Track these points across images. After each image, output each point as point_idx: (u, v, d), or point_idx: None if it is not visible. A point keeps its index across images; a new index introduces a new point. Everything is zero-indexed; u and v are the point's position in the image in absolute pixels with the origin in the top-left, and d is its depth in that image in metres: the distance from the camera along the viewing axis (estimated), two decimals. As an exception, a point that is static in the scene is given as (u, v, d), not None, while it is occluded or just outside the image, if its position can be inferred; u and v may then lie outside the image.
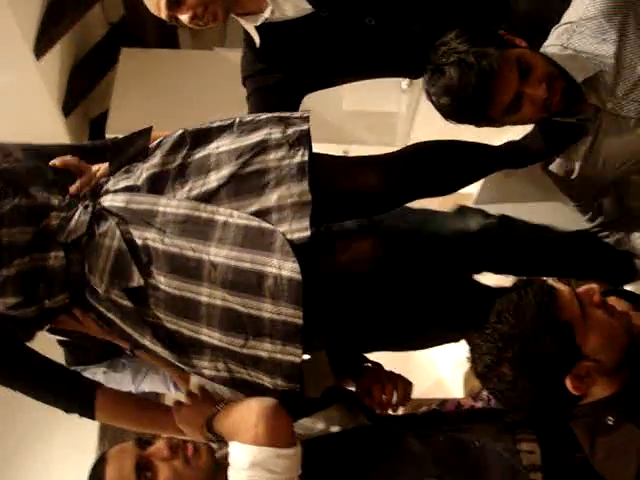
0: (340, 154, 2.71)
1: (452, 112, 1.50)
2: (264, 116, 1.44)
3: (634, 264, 1.93)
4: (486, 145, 1.68)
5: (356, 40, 1.72)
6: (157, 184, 1.38)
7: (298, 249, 1.29)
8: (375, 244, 1.46)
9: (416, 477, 1.31)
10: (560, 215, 1.82)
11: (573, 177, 1.62)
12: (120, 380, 1.73)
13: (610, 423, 1.17)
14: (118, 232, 1.33)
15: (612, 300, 1.28)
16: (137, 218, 1.34)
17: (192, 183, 1.38)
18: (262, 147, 1.39)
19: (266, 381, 1.31)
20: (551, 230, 1.92)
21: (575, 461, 1.27)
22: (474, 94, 1.43)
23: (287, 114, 1.44)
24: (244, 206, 1.34)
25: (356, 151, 2.90)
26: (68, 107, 3.44)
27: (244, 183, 1.36)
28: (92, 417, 1.46)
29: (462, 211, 1.91)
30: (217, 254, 1.30)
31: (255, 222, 1.31)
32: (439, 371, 2.52)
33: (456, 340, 1.81)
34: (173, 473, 1.32)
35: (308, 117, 1.42)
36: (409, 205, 1.75)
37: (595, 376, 1.18)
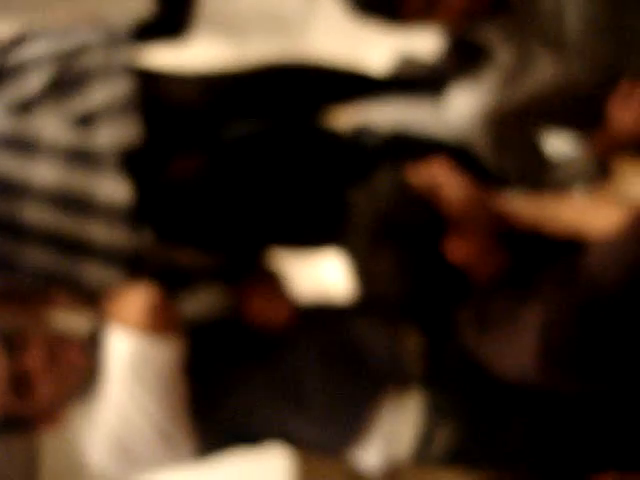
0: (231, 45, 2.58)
1: (361, 4, 1.39)
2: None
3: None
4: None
5: None
6: None
7: (131, 153, 1.27)
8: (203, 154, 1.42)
9: (293, 356, 1.32)
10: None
11: None
12: None
13: (499, 305, 1.17)
14: None
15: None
16: None
17: (10, 88, 1.29)
18: (84, 47, 1.33)
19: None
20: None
21: (457, 349, 1.28)
22: None
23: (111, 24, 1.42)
24: (69, 108, 1.28)
25: (248, 42, 2.80)
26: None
27: (66, 85, 1.30)
28: None
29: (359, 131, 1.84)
30: (44, 173, 1.24)
31: (83, 141, 1.26)
32: (322, 277, 2.55)
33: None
34: (53, 383, 1.22)
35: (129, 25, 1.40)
36: None
37: (474, 243, 1.17)
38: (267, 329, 1.38)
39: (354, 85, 1.60)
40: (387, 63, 1.92)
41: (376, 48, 2.23)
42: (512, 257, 1.24)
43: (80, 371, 1.25)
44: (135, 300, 1.23)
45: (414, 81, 1.68)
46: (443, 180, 1.21)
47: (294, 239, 1.65)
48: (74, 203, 1.24)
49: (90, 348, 1.27)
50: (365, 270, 1.22)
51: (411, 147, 1.77)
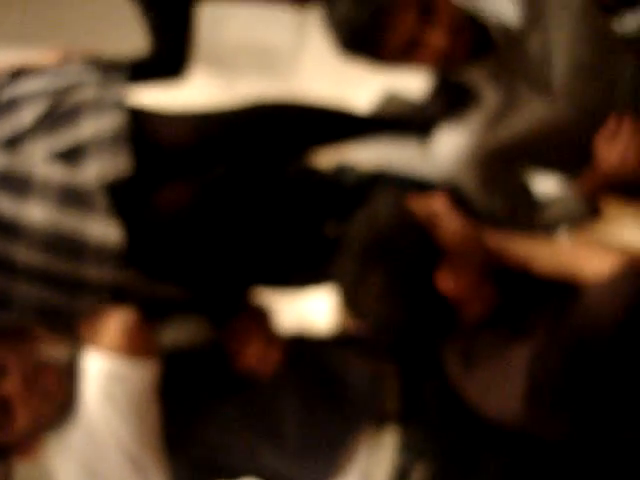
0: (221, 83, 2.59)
1: (344, 44, 1.39)
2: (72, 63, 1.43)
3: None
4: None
5: None
6: None
7: (119, 189, 1.27)
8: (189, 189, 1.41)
9: (271, 390, 1.31)
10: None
11: None
12: None
13: (486, 342, 1.16)
14: None
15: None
16: None
17: (2, 123, 1.30)
18: (78, 84, 1.35)
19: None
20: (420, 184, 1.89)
21: (436, 387, 1.28)
22: (363, 27, 1.31)
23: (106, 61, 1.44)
24: (59, 140, 1.28)
25: (236, 80, 2.82)
26: None
27: (57, 118, 1.30)
28: None
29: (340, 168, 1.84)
30: (35, 213, 1.24)
31: (74, 179, 1.26)
32: (304, 314, 2.53)
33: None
34: (31, 412, 1.20)
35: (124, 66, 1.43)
36: None
37: (466, 278, 1.16)
38: (254, 373, 1.36)
39: (340, 125, 1.60)
40: (374, 101, 1.93)
41: (364, 85, 2.24)
42: (502, 295, 1.22)
43: (57, 398, 1.23)
44: (112, 322, 1.23)
45: (400, 121, 1.68)
46: (442, 212, 1.20)
47: (276, 277, 1.63)
48: (65, 243, 1.25)
49: (67, 376, 1.26)
50: (354, 291, 1.19)
51: (394, 185, 1.78)
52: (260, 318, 1.51)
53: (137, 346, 1.23)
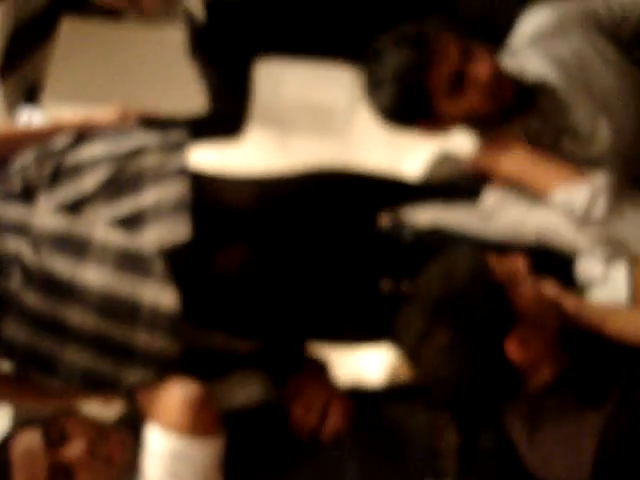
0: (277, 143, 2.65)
1: (391, 101, 1.42)
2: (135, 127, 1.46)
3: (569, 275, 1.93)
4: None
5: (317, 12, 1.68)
6: (29, 190, 1.33)
7: (179, 251, 1.27)
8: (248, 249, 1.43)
9: (333, 455, 1.31)
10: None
11: None
12: None
13: (553, 408, 1.13)
14: None
15: (541, 279, 1.25)
16: (11, 228, 1.29)
17: (66, 188, 1.33)
18: (140, 150, 1.37)
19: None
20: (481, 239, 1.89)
21: (493, 448, 1.26)
22: (410, 69, 1.35)
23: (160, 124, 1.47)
24: (121, 207, 1.30)
25: (293, 141, 2.86)
26: (6, 71, 3.30)
27: (120, 185, 1.33)
28: None
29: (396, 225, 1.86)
30: (92, 276, 1.25)
31: (133, 245, 1.27)
32: (359, 372, 2.51)
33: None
34: (92, 478, 1.23)
35: (184, 127, 1.44)
36: None
37: (537, 345, 1.14)
38: (316, 433, 1.35)
39: (395, 193, 1.62)
40: (427, 162, 1.96)
41: (417, 147, 2.27)
42: (572, 360, 1.20)
43: (119, 464, 1.25)
44: (175, 399, 1.22)
45: (451, 185, 1.70)
46: (521, 274, 1.19)
47: (331, 333, 1.65)
48: (119, 308, 1.26)
49: (129, 438, 1.27)
50: (419, 345, 1.16)
51: (451, 242, 1.78)
52: (319, 372, 1.53)
53: (202, 425, 1.22)
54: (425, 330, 1.14)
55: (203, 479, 1.21)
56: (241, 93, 1.75)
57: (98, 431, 1.26)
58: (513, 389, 1.19)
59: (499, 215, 1.45)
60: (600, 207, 1.29)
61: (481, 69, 1.34)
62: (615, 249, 1.35)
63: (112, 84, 3.04)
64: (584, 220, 1.30)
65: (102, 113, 1.56)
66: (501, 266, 1.18)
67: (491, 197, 1.46)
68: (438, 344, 1.13)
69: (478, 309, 1.12)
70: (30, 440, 1.20)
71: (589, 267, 1.83)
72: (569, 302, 1.24)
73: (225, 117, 1.72)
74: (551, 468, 1.14)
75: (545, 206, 1.38)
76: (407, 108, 1.41)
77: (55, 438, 1.22)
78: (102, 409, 1.43)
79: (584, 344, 1.22)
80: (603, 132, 1.41)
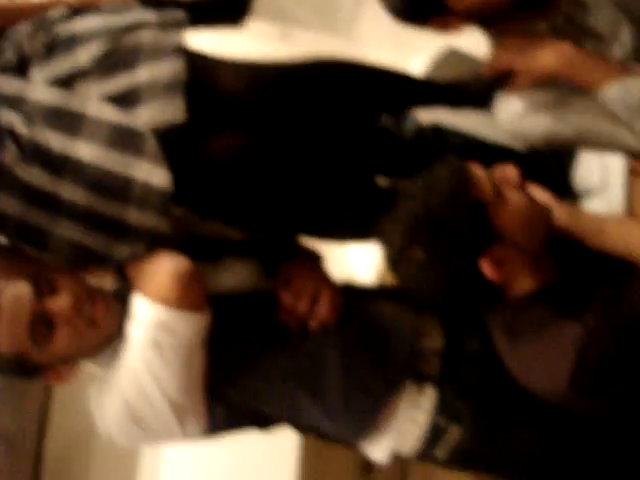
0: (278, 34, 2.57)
1: (399, 20, 1.37)
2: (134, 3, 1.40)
3: (565, 183, 1.92)
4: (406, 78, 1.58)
5: None
6: (24, 63, 1.30)
7: (172, 132, 1.25)
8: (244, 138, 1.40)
9: (316, 345, 1.31)
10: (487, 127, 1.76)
11: None
12: None
13: (534, 318, 1.13)
14: None
15: (532, 187, 1.23)
16: (5, 101, 1.26)
17: (60, 60, 1.29)
18: (137, 25, 1.33)
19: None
20: (481, 141, 1.86)
21: (477, 352, 1.27)
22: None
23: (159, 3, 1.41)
24: (115, 83, 1.27)
25: (295, 33, 2.79)
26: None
27: (115, 60, 1.29)
28: None
29: (398, 117, 1.82)
30: (84, 151, 1.22)
31: (126, 121, 1.24)
32: (351, 267, 2.53)
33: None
34: (73, 336, 1.21)
35: (185, 9, 1.40)
36: None
37: (514, 264, 1.13)
38: (306, 325, 1.35)
39: (400, 92, 1.58)
40: (434, 57, 1.91)
41: (424, 47, 2.22)
42: (558, 269, 1.19)
43: (101, 329, 1.25)
44: (164, 271, 1.21)
45: (459, 85, 1.65)
46: (511, 185, 1.16)
47: (325, 226, 1.62)
48: (111, 184, 1.24)
49: (115, 308, 1.28)
50: (398, 258, 1.16)
51: (456, 149, 1.75)
52: (313, 261, 1.52)
53: (189, 299, 1.21)
54: (403, 245, 1.13)
55: (184, 352, 1.21)
56: None
57: (87, 291, 1.25)
58: (493, 298, 1.18)
59: (518, 119, 1.41)
60: None
61: None
62: None
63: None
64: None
65: None
66: (486, 180, 1.15)
67: (510, 99, 1.41)
68: (415, 259, 1.13)
69: (455, 228, 1.11)
70: (19, 288, 1.19)
71: (588, 174, 1.83)
72: (562, 210, 1.22)
73: (228, 3, 1.66)
74: (531, 375, 1.15)
75: (579, 107, 1.35)
76: (417, 4, 1.36)
77: (44, 289, 1.21)
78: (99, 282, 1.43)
79: (570, 255, 1.21)
80: (625, 36, 1.37)
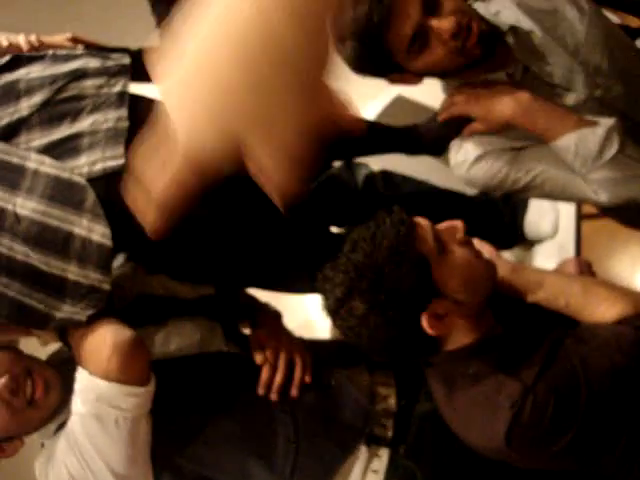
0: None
1: (354, 56, 1.37)
2: (80, 50, 1.38)
3: (517, 229, 1.92)
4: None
5: None
6: None
7: (111, 178, 1.21)
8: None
9: (267, 410, 1.28)
10: (440, 172, 1.76)
11: None
12: None
13: (471, 372, 1.10)
14: None
15: (477, 242, 1.21)
16: None
17: (2, 111, 1.27)
18: (79, 74, 1.31)
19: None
20: (432, 187, 1.86)
21: (429, 411, 1.24)
22: (369, 26, 1.30)
23: (106, 50, 1.39)
24: (55, 133, 1.25)
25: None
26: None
27: (58, 109, 1.27)
28: None
29: (350, 165, 1.82)
30: (23, 205, 1.19)
31: (66, 174, 1.22)
32: (308, 313, 2.50)
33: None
34: (12, 416, 1.18)
35: (127, 52, 1.37)
36: None
37: (454, 318, 1.10)
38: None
39: (347, 140, 1.58)
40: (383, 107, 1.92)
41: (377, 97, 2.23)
42: (498, 325, 1.17)
43: (41, 409, 1.22)
44: (105, 344, 1.17)
45: (414, 135, 1.65)
46: (452, 247, 1.13)
47: (281, 280, 1.61)
48: (50, 240, 1.20)
49: (57, 384, 1.24)
50: (338, 310, 1.12)
51: (404, 200, 1.75)
52: (275, 322, 1.50)
53: (131, 372, 1.17)
54: (343, 296, 1.10)
55: (128, 425, 1.17)
56: None
57: (26, 371, 1.22)
58: (430, 350, 1.15)
59: (471, 165, 1.41)
60: (614, 146, 1.24)
61: (445, 23, 1.26)
62: (621, 189, 1.33)
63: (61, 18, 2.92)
64: (594, 161, 1.27)
65: (52, 37, 1.47)
66: (431, 234, 1.12)
67: (464, 145, 1.42)
68: (354, 312, 1.09)
69: (397, 283, 1.07)
70: None
71: (539, 218, 1.84)
72: (504, 266, 1.21)
73: None
74: (469, 431, 1.13)
75: (534, 154, 1.36)
76: (369, 64, 1.35)
77: None
78: (40, 348, 1.39)
79: (511, 309, 1.20)
80: (579, 85, 1.38)
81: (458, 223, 1.17)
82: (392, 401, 1.30)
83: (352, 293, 1.08)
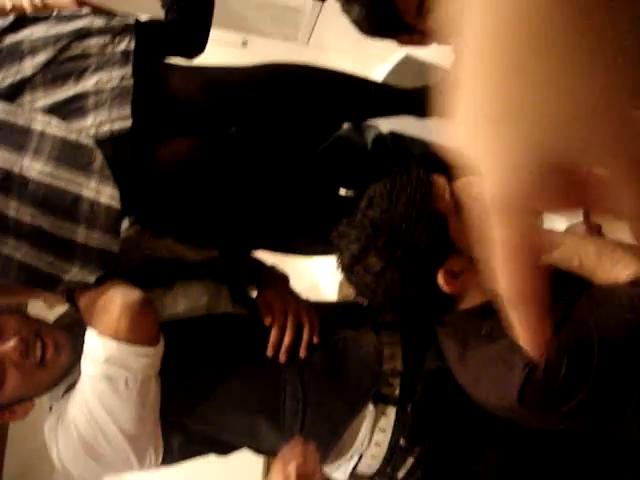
0: (239, 43, 2.55)
1: (363, 17, 1.35)
2: (85, 9, 1.37)
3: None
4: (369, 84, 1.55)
5: None
6: None
7: (121, 140, 1.22)
8: (196, 146, 1.37)
9: (275, 370, 1.29)
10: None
11: None
12: None
13: (484, 332, 1.10)
14: None
15: None
16: None
17: (4, 72, 1.26)
18: (83, 33, 1.30)
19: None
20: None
21: (436, 370, 1.25)
22: (380, 20, 1.29)
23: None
24: (60, 93, 1.24)
25: (255, 42, 2.77)
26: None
27: (62, 68, 1.26)
28: None
29: (359, 126, 1.80)
30: (30, 167, 1.19)
31: (73, 135, 1.21)
32: (314, 276, 2.51)
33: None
34: (23, 378, 1.20)
35: (134, 17, 1.37)
36: None
37: (469, 276, 1.10)
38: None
39: (357, 100, 1.56)
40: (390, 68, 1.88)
41: (386, 55, 2.21)
42: None
43: (51, 369, 1.23)
44: (115, 305, 1.18)
45: (423, 96, 1.62)
46: (468, 205, 1.11)
47: (286, 242, 1.61)
48: (58, 202, 1.20)
49: (67, 344, 1.25)
50: (353, 266, 1.14)
51: (418, 159, 1.73)
52: (283, 284, 1.51)
53: (140, 333, 1.18)
54: (359, 252, 1.11)
55: (138, 385, 1.18)
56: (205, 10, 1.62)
57: (35, 332, 1.23)
58: (446, 309, 1.16)
59: None
60: None
61: None
62: None
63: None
64: None
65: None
66: (447, 192, 1.13)
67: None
68: (370, 268, 1.11)
69: (413, 239, 1.08)
70: None
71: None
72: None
73: (187, 37, 1.59)
74: (481, 389, 1.13)
75: None
76: (378, 24, 1.34)
77: None
78: (47, 310, 1.39)
79: None
80: None
81: (474, 179, 1.16)
82: (399, 360, 1.30)
83: (368, 249, 1.10)
